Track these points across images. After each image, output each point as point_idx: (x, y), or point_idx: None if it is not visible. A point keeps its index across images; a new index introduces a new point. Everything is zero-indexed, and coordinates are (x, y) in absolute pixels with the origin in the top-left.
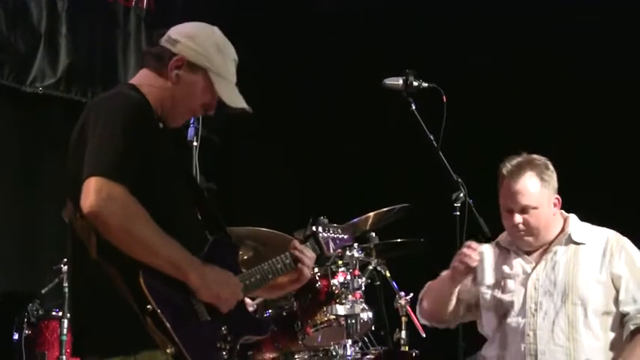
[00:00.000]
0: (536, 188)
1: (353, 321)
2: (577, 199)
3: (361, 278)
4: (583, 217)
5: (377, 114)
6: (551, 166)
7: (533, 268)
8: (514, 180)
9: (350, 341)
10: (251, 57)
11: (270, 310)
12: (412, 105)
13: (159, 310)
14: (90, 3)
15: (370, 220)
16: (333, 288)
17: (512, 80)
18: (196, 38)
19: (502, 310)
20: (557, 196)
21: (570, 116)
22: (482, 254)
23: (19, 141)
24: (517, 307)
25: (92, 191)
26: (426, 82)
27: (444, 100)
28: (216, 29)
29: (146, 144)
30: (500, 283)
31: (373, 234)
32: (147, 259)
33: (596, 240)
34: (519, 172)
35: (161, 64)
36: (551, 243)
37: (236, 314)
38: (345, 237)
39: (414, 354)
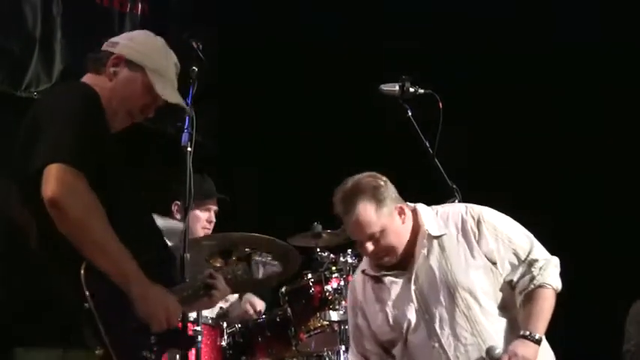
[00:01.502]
0: (372, 215)
1: (346, 327)
2: None
3: None
4: None
5: (373, 119)
6: (380, 180)
7: (409, 280)
8: (348, 215)
9: (343, 347)
10: (244, 61)
11: (264, 316)
12: (408, 111)
13: (95, 312)
14: (85, 8)
15: None
16: (327, 294)
17: (508, 86)
18: (135, 39)
19: (401, 335)
20: (399, 205)
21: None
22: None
23: (13, 146)
24: (413, 324)
25: (55, 178)
26: (422, 88)
27: (440, 106)
28: (159, 37)
29: (102, 139)
30: (386, 312)
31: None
32: (95, 258)
33: (453, 224)
34: (349, 205)
35: (99, 64)
36: (414, 247)
37: None
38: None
39: None
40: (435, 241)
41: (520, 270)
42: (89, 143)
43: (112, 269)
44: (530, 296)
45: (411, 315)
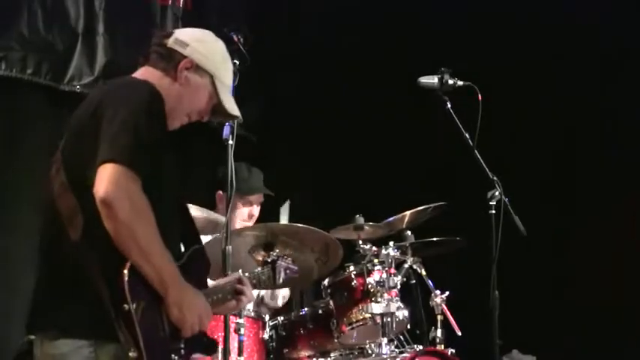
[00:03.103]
0: None
1: (388, 319)
2: None
3: (397, 276)
4: None
5: (414, 112)
6: None
7: None
8: None
9: (385, 340)
10: (282, 55)
11: (306, 309)
12: (447, 103)
13: (134, 314)
14: (127, 1)
15: (406, 219)
16: (369, 286)
17: (548, 76)
18: (205, 44)
19: None
20: None
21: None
22: None
23: (57, 139)
24: None
25: (109, 178)
26: (461, 80)
27: (479, 98)
28: (220, 41)
29: (158, 144)
30: None
31: (409, 232)
32: (138, 261)
33: None
34: None
35: (170, 65)
36: None
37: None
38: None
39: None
40: None
41: None
42: (148, 146)
43: (152, 274)
44: None
45: None
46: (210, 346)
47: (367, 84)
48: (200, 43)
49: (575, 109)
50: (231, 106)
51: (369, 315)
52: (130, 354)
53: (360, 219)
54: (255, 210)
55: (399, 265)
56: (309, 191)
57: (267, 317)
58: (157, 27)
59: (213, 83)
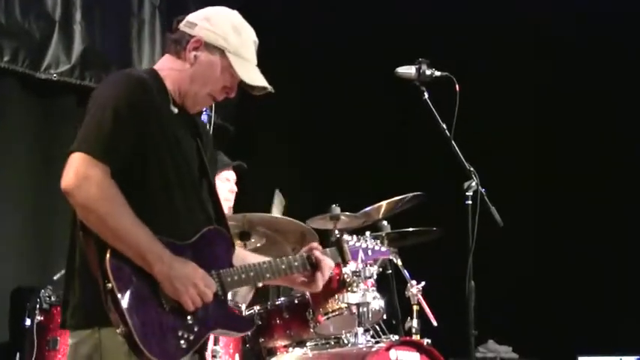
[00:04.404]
0: None
1: (364, 309)
2: None
3: (373, 267)
4: None
5: (389, 102)
6: None
7: None
8: None
9: (361, 329)
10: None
11: (282, 298)
12: (425, 94)
13: (117, 290)
14: None
15: (383, 209)
16: (345, 276)
17: (525, 69)
18: (212, 19)
19: None
20: None
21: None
22: None
23: (33, 127)
24: None
25: (72, 168)
26: (438, 70)
27: (457, 89)
28: (234, 12)
29: (140, 128)
30: None
31: (385, 222)
32: (113, 243)
33: None
34: None
35: (180, 48)
36: None
37: (212, 307)
38: (383, 250)
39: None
40: None
41: None
42: (117, 136)
43: (131, 252)
44: None
45: None
46: (242, 323)
47: (345, 74)
48: (207, 21)
49: (553, 100)
50: (251, 77)
51: (345, 305)
52: (118, 330)
53: (336, 209)
54: (234, 186)
55: None
56: (286, 181)
57: (243, 307)
58: (134, 16)
59: (226, 58)
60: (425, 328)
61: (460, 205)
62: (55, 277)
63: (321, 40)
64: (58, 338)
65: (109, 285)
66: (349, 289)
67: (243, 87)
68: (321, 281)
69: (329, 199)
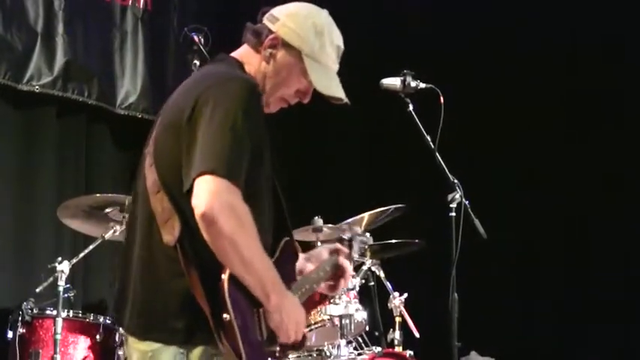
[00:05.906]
0: None
1: (347, 321)
2: None
3: (355, 278)
4: None
5: (373, 114)
6: None
7: None
8: None
9: (344, 341)
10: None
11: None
12: (409, 105)
13: (235, 324)
14: (87, 2)
15: (365, 221)
16: None
17: (511, 81)
18: (295, 17)
19: None
20: None
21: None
22: None
23: (14, 140)
24: None
25: (209, 191)
26: (423, 82)
27: (441, 100)
28: (323, 11)
29: (258, 140)
30: None
31: (368, 234)
32: (240, 273)
33: None
34: None
35: (258, 41)
36: None
37: None
38: (365, 238)
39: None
40: None
41: None
42: (246, 149)
43: (254, 284)
44: None
45: None
46: (300, 343)
47: None
48: (290, 17)
49: (539, 112)
50: (325, 85)
51: (328, 317)
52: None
53: (318, 221)
54: None
55: (357, 267)
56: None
57: None
58: (117, 27)
59: (302, 61)
60: (407, 340)
61: (444, 217)
62: (37, 290)
63: None
64: (40, 351)
65: (227, 317)
66: (332, 300)
67: (318, 94)
68: (342, 287)
69: (311, 211)
